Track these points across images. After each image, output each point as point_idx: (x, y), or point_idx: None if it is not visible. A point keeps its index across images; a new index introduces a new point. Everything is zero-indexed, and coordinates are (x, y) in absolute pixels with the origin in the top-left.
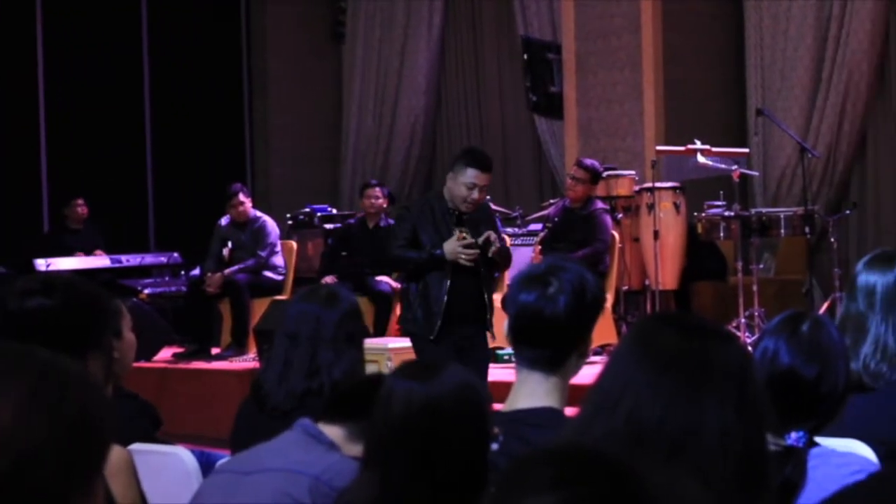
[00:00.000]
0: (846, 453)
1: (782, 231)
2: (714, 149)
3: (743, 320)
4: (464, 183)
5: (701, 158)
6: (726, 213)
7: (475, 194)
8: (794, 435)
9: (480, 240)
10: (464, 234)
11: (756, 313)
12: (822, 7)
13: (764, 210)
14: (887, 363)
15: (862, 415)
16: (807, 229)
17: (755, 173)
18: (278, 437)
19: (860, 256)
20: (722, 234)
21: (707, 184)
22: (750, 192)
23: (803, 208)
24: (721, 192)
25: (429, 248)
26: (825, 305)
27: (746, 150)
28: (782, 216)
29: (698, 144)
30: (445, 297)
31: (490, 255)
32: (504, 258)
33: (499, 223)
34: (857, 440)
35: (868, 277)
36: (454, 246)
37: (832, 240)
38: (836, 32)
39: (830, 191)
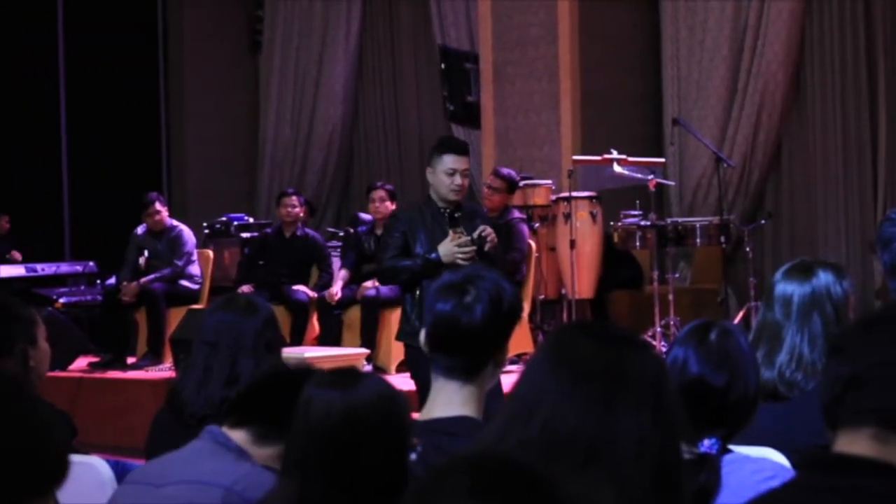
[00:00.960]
0: (760, 459)
1: (698, 240)
2: (630, 158)
3: (659, 329)
4: (443, 171)
5: (617, 168)
6: (642, 223)
7: (458, 179)
8: (706, 442)
9: (475, 234)
10: (459, 234)
11: (672, 322)
12: (738, 18)
13: (680, 219)
14: (802, 372)
15: (777, 423)
16: (722, 239)
17: (671, 183)
18: (187, 445)
19: (775, 266)
20: (638, 244)
21: (623, 193)
22: (666, 202)
23: (719, 218)
24: (637, 202)
25: (423, 254)
26: (740, 314)
27: (662, 159)
28: (698, 226)
29: (615, 154)
30: None
31: (486, 249)
32: (500, 255)
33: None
34: (771, 448)
35: (785, 287)
36: (450, 247)
37: (747, 249)
38: (751, 43)
39: (746, 200)
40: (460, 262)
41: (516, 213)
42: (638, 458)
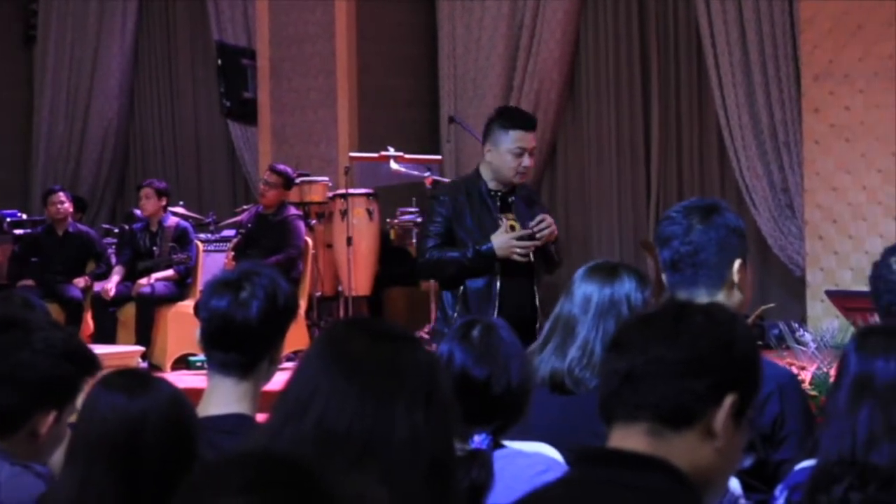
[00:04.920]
0: (533, 454)
1: None
2: (407, 156)
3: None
4: (509, 150)
5: (394, 165)
6: (419, 220)
7: (526, 160)
8: (477, 438)
9: (534, 224)
10: (512, 223)
11: None
12: (513, 17)
13: None
14: (591, 370)
15: (558, 417)
16: None
17: (447, 180)
18: None
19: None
20: (414, 240)
21: (400, 190)
22: None
23: None
24: (414, 199)
25: (473, 245)
26: None
27: (439, 157)
28: None
29: (391, 151)
30: (497, 303)
31: (540, 242)
32: (558, 250)
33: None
34: (545, 442)
35: (587, 286)
36: (506, 239)
37: None
38: (527, 42)
39: None
40: (517, 257)
41: (292, 210)
42: (411, 454)
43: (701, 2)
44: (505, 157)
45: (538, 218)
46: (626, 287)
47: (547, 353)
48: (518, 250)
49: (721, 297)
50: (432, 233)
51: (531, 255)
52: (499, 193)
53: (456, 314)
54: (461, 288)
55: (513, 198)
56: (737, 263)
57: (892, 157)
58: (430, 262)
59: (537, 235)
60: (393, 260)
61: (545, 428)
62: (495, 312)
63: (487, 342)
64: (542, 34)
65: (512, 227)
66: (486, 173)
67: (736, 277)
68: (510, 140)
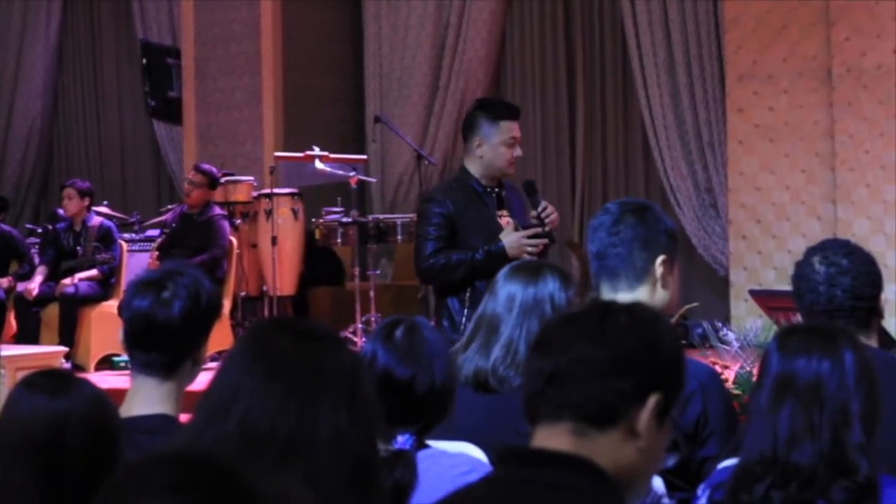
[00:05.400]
0: (456, 454)
1: (399, 237)
2: (332, 155)
3: (360, 326)
4: (503, 142)
5: (319, 165)
6: (344, 219)
7: (518, 150)
8: (400, 438)
9: (539, 212)
10: (508, 219)
11: (373, 319)
12: (439, 16)
13: (381, 216)
14: (515, 369)
15: (482, 416)
16: None
17: (373, 180)
18: None
19: None
20: (340, 240)
21: (325, 190)
22: (367, 199)
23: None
24: (339, 199)
25: (482, 246)
26: None
27: (364, 156)
28: (399, 222)
29: (317, 151)
30: None
31: (546, 230)
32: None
33: None
34: (469, 442)
35: (510, 286)
36: (517, 237)
37: None
38: (453, 41)
39: None
40: (528, 255)
41: (217, 210)
42: (335, 454)
43: (626, 2)
44: (498, 149)
45: (542, 205)
46: (550, 287)
47: (471, 352)
48: (529, 248)
49: (643, 292)
50: (431, 235)
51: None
52: (495, 190)
53: (465, 318)
54: (468, 291)
55: (504, 192)
56: (660, 259)
57: (815, 157)
58: (436, 266)
59: (546, 221)
60: (318, 260)
61: (469, 427)
62: None
63: (411, 342)
64: (468, 33)
65: (508, 223)
66: (476, 169)
67: (658, 273)
68: (502, 131)
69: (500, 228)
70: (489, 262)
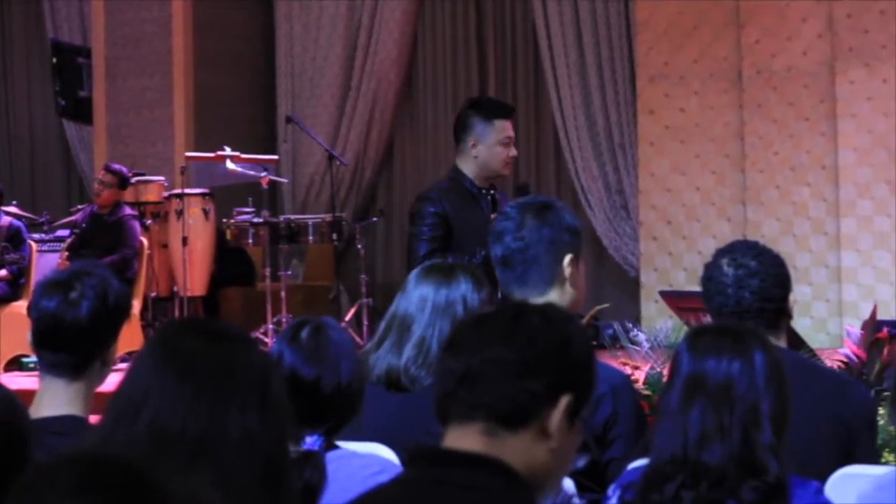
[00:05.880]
0: (367, 454)
1: (310, 237)
2: (244, 155)
3: (271, 326)
4: (499, 141)
5: (230, 165)
6: (255, 220)
7: (513, 149)
8: (309, 439)
9: None
10: None
11: (284, 319)
12: (351, 17)
13: (293, 217)
14: (427, 368)
15: (393, 415)
16: (334, 236)
17: (284, 180)
18: None
19: (386, 263)
20: (251, 241)
21: (236, 190)
22: (279, 199)
23: (331, 215)
24: (250, 199)
25: (478, 249)
26: (352, 311)
27: (276, 157)
28: (310, 223)
29: (228, 151)
30: None
31: None
32: None
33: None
34: (380, 441)
35: (423, 288)
36: None
37: (359, 246)
38: (365, 42)
39: (358, 198)
40: None
41: (128, 210)
42: (245, 455)
43: (538, 4)
44: (495, 149)
45: None
46: (463, 289)
47: (383, 351)
48: None
49: (553, 294)
50: (425, 236)
51: None
52: (490, 192)
53: None
54: None
55: (498, 195)
56: (567, 258)
57: (725, 158)
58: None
59: None
60: (229, 260)
61: (380, 426)
62: None
63: (317, 342)
64: (379, 34)
65: None
66: (470, 170)
67: (567, 273)
68: (497, 130)
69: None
70: (486, 265)
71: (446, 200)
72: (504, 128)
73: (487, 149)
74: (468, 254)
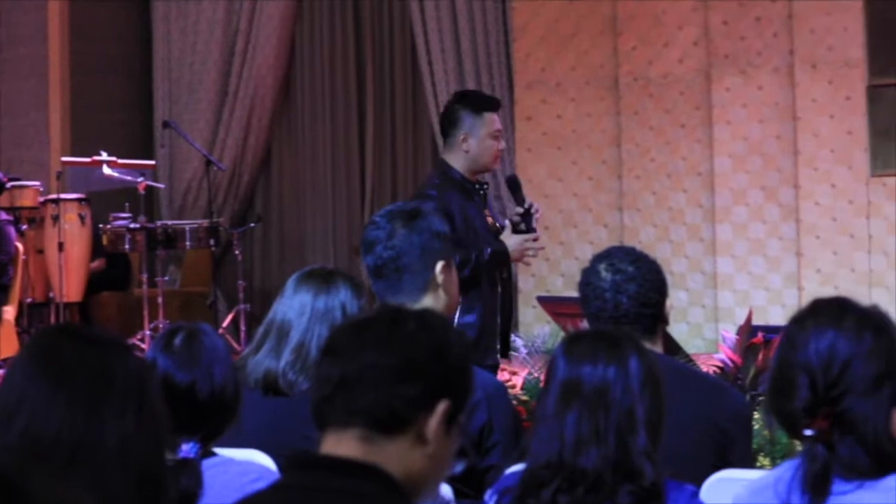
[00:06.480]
0: (244, 462)
1: (188, 243)
2: (120, 160)
3: (148, 332)
4: (489, 135)
5: (107, 170)
6: (132, 225)
7: (502, 143)
8: (185, 447)
9: (528, 206)
10: (491, 218)
11: (161, 325)
12: (229, 21)
13: (170, 222)
14: (305, 373)
15: (270, 420)
16: (212, 241)
17: (161, 185)
18: None
19: (264, 268)
20: (128, 246)
21: (113, 195)
22: (156, 204)
23: (208, 221)
24: (127, 204)
25: (484, 245)
26: (230, 317)
27: (153, 162)
28: (188, 228)
29: (104, 156)
30: (499, 314)
31: (534, 227)
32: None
33: None
34: (258, 446)
35: (302, 295)
36: (519, 240)
37: (237, 252)
38: (242, 47)
39: (236, 203)
40: (527, 261)
41: (3, 215)
42: (121, 462)
43: (416, 9)
44: (485, 142)
45: (528, 203)
46: (342, 296)
47: (261, 356)
48: (530, 253)
49: (427, 300)
50: None
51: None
52: (483, 187)
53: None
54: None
55: (485, 190)
56: (440, 265)
57: (602, 164)
58: None
59: (535, 218)
60: (106, 266)
61: (258, 432)
62: (499, 321)
63: (190, 348)
64: (257, 39)
65: (492, 224)
66: (460, 164)
67: (440, 279)
68: (487, 123)
69: (489, 226)
70: (493, 264)
71: (445, 197)
72: (493, 120)
73: (479, 142)
74: (475, 250)
